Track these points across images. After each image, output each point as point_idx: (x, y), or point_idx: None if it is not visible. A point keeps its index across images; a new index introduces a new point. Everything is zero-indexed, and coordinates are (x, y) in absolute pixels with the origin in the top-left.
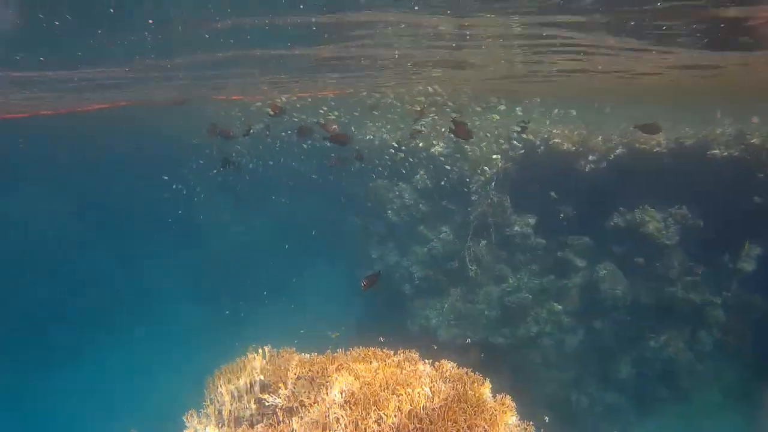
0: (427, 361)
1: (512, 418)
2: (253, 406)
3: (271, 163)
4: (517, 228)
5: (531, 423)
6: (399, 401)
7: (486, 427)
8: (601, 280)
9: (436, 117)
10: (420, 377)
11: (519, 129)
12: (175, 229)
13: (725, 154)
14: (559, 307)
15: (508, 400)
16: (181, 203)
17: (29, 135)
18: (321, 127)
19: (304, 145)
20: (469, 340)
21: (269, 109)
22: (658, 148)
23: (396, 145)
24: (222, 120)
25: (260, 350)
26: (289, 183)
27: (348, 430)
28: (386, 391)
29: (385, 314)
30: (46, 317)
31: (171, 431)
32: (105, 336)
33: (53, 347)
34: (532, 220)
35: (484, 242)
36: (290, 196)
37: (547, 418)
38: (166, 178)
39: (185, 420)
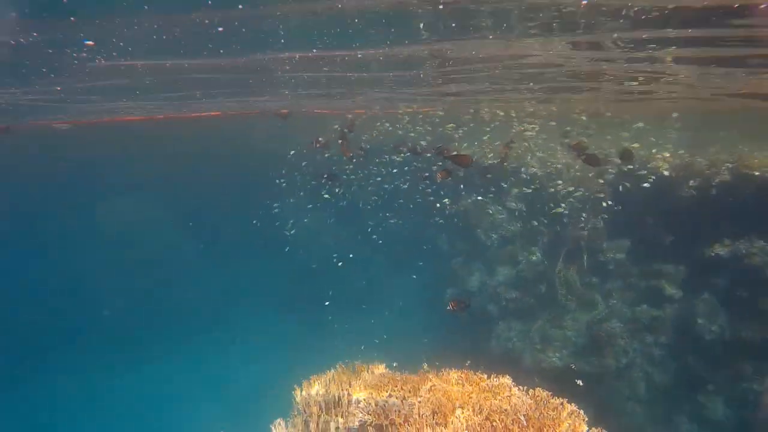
0: (521, 387)
1: None
2: (340, 420)
3: (374, 180)
4: (610, 254)
5: None
6: (493, 427)
7: None
8: (698, 313)
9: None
10: (515, 405)
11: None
12: (266, 238)
13: None
14: (651, 338)
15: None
16: (275, 214)
17: (132, 140)
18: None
19: (397, 158)
20: (573, 366)
21: (343, 129)
22: None
23: (486, 165)
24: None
25: (350, 364)
26: (381, 197)
27: None
28: (480, 416)
29: (467, 333)
30: (141, 318)
31: None
32: (194, 337)
33: (146, 346)
34: (626, 246)
35: (575, 266)
36: (382, 210)
37: None
38: (280, 182)
39: (273, 428)
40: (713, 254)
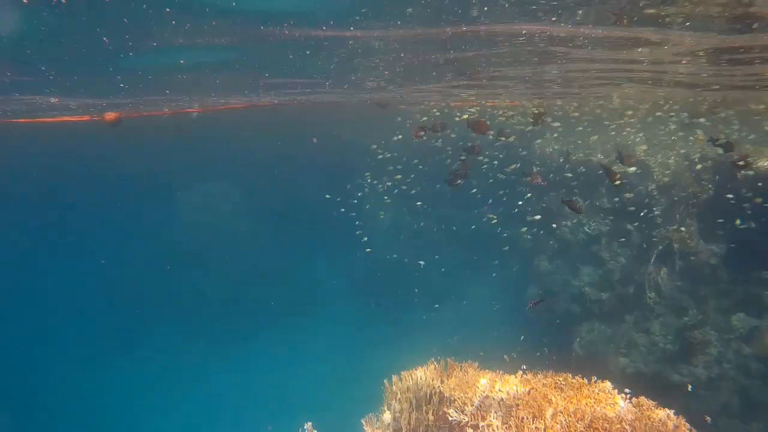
0: (624, 395)
1: None
2: (431, 418)
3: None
4: (704, 257)
5: None
6: None
7: None
8: None
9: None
10: (619, 414)
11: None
12: (347, 230)
13: None
14: (749, 350)
15: None
16: (356, 206)
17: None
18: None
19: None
20: (690, 387)
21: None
22: None
23: (562, 160)
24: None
25: (442, 361)
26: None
27: None
28: (581, 422)
29: (550, 333)
30: (220, 306)
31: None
32: (268, 328)
33: (226, 335)
34: (721, 250)
35: (665, 269)
36: (464, 206)
37: None
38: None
39: (363, 423)
40: None
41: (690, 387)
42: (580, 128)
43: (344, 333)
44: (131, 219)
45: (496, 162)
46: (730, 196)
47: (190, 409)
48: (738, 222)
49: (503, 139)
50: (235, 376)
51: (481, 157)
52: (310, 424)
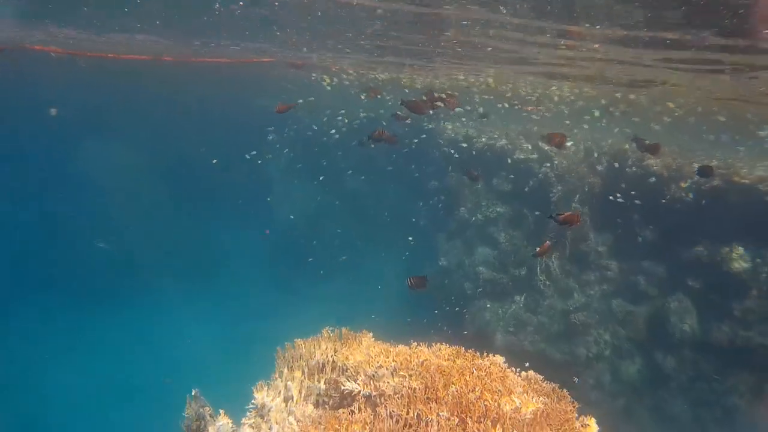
0: (514, 368)
1: None
2: (323, 387)
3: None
4: (592, 245)
5: None
6: (486, 408)
7: None
8: (671, 312)
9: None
10: (508, 386)
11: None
12: (244, 200)
13: None
14: (623, 332)
15: (592, 422)
16: (254, 176)
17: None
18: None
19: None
20: (576, 380)
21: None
22: (760, 185)
23: (465, 145)
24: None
25: (336, 330)
26: (367, 168)
27: (430, 429)
28: (473, 393)
29: (442, 311)
30: (113, 267)
31: (239, 400)
32: (163, 292)
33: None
34: (609, 240)
35: (556, 254)
36: (366, 182)
37: None
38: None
39: (254, 391)
40: (693, 256)
41: (576, 380)
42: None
43: (241, 300)
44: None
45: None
46: (619, 196)
47: (80, 370)
48: (635, 216)
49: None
50: (124, 340)
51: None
52: (197, 390)
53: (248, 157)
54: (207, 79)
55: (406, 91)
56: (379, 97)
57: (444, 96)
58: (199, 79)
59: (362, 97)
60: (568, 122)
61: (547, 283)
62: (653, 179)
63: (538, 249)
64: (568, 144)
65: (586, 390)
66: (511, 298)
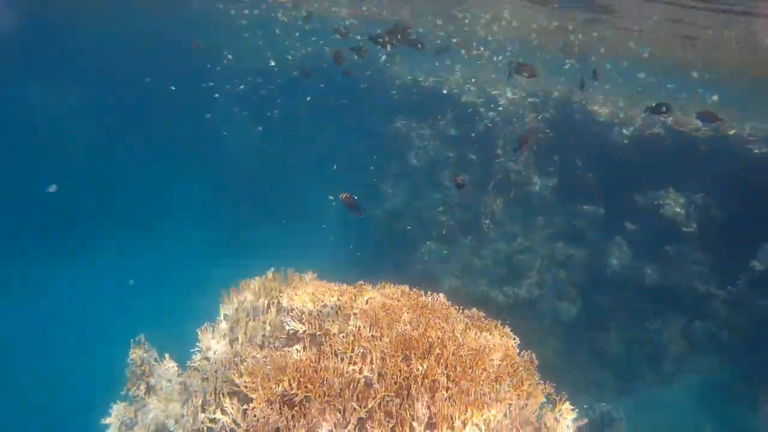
0: (457, 307)
1: (533, 376)
2: (268, 328)
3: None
4: (536, 189)
5: (551, 383)
6: (430, 344)
7: (510, 380)
8: (610, 254)
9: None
10: (452, 323)
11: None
12: (190, 144)
13: (763, 150)
14: (564, 274)
15: (532, 356)
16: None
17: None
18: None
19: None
20: (508, 320)
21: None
22: (696, 134)
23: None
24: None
25: (281, 271)
26: (313, 114)
27: (374, 365)
28: (416, 331)
29: (388, 254)
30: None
31: (184, 343)
32: (109, 243)
33: (61, 245)
34: (552, 184)
35: (501, 198)
36: (312, 127)
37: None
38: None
39: (199, 333)
40: (632, 201)
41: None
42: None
43: (189, 244)
44: None
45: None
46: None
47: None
48: (578, 163)
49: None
50: (68, 284)
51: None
52: (143, 335)
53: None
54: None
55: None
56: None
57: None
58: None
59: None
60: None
61: (492, 226)
62: (597, 125)
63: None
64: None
65: (527, 331)
66: (456, 241)
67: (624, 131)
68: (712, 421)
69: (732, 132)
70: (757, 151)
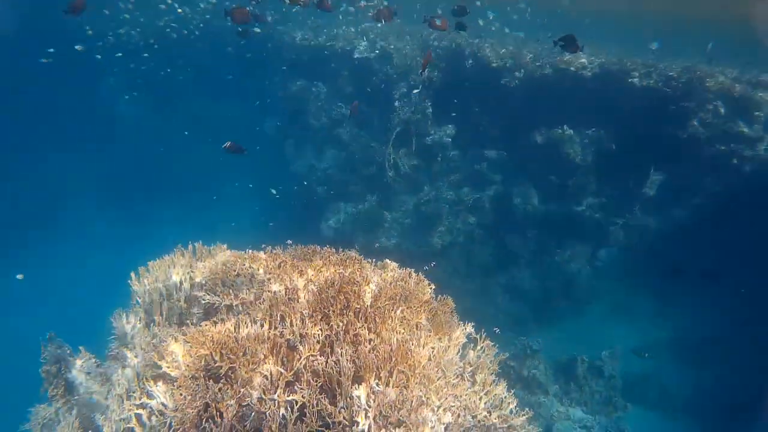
0: (370, 260)
1: (453, 318)
2: (184, 305)
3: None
4: (437, 138)
5: (470, 323)
6: (347, 300)
7: (430, 325)
8: (515, 194)
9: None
10: (366, 277)
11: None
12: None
13: (644, 83)
14: (473, 218)
15: (449, 300)
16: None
17: None
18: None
19: None
20: (433, 263)
21: None
22: (583, 71)
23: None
24: None
25: (190, 246)
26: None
27: (295, 328)
28: (332, 288)
29: (299, 220)
30: None
31: (100, 334)
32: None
33: None
34: (452, 131)
35: (403, 150)
36: (214, 98)
37: (497, 330)
38: None
39: (113, 321)
40: (530, 141)
41: (431, 265)
42: None
43: (87, 235)
44: None
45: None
46: None
47: None
48: (476, 109)
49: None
50: None
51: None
52: (52, 332)
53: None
54: None
55: None
56: None
57: None
58: None
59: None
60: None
61: (397, 179)
62: (490, 70)
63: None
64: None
65: (443, 276)
66: (363, 197)
67: (516, 74)
68: (625, 340)
69: (616, 67)
70: (637, 83)
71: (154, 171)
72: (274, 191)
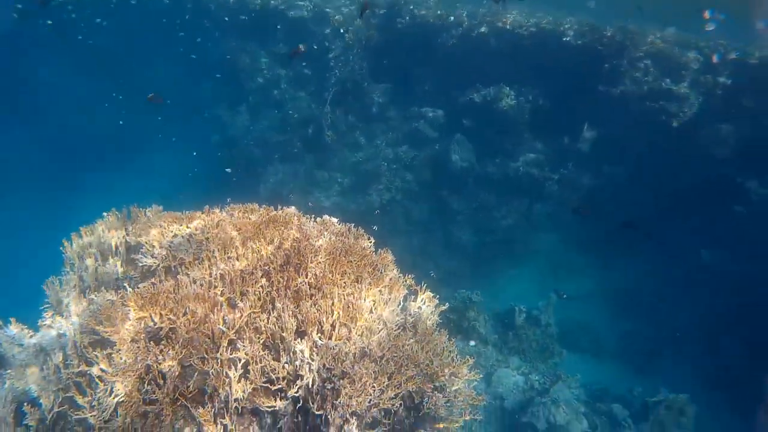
0: (309, 216)
1: (393, 271)
2: (120, 269)
3: None
4: (374, 96)
5: (411, 275)
6: (287, 256)
7: (371, 278)
8: (452, 151)
9: None
10: (306, 233)
11: None
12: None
13: (579, 42)
14: (411, 176)
15: (389, 254)
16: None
17: None
18: None
19: None
20: (377, 211)
21: None
22: (519, 30)
23: None
24: None
25: (124, 209)
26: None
27: (235, 286)
28: (272, 245)
29: (237, 182)
30: None
31: (32, 303)
32: None
33: None
34: (389, 90)
35: (340, 109)
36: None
37: (432, 274)
38: None
39: (45, 289)
40: (467, 99)
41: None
42: None
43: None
44: None
45: None
46: None
47: None
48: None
49: None
50: None
51: None
52: None
53: None
54: None
55: None
56: None
57: None
58: None
59: None
60: None
61: (335, 138)
62: (426, 28)
63: None
64: None
65: (383, 233)
66: (301, 157)
67: (453, 32)
68: (561, 286)
69: (549, 26)
70: (571, 41)
71: (83, 137)
72: (228, 170)
